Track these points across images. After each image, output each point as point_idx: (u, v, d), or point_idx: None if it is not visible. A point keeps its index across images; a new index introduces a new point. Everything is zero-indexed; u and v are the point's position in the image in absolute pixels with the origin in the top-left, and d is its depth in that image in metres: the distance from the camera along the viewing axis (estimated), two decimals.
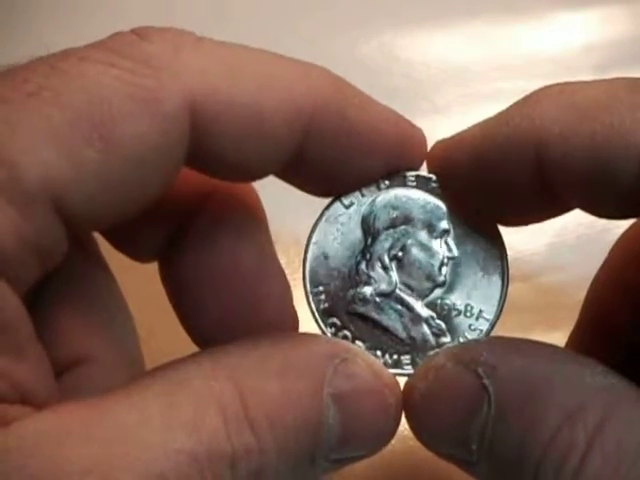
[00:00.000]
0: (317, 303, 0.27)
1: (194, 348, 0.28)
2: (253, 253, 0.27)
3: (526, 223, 0.27)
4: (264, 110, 0.24)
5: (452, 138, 0.27)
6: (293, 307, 0.28)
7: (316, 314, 0.27)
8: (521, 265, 0.43)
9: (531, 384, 0.23)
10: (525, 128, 0.24)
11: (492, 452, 0.24)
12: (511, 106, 0.26)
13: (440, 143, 0.27)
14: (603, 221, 0.26)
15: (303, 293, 0.27)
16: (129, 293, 0.29)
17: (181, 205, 0.27)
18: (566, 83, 0.25)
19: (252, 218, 0.28)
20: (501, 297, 0.27)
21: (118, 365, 0.27)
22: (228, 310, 0.27)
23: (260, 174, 0.26)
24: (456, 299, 0.27)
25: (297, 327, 0.28)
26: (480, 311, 0.27)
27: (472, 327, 0.27)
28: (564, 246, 0.44)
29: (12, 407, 0.21)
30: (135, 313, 0.29)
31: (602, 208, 0.25)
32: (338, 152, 0.26)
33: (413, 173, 0.27)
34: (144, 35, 0.24)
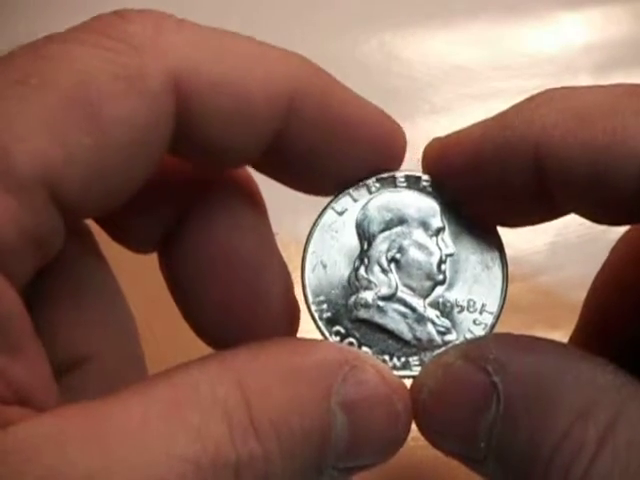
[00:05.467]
0: (320, 313, 0.27)
1: (195, 345, 0.28)
2: (253, 242, 0.27)
3: (523, 225, 0.27)
4: (245, 89, 0.24)
5: (449, 137, 0.27)
6: (294, 296, 0.28)
7: (319, 323, 0.27)
8: (521, 265, 0.43)
9: (541, 382, 0.23)
10: (525, 132, 0.24)
11: (500, 450, 0.24)
12: (511, 108, 0.25)
13: (437, 141, 0.27)
14: None
15: (302, 296, 0.27)
16: (129, 292, 0.28)
17: (180, 194, 0.27)
18: (567, 87, 0.25)
19: (251, 207, 0.27)
20: (503, 289, 0.27)
21: (119, 364, 0.27)
22: (228, 300, 0.27)
23: (242, 157, 0.26)
24: (458, 295, 0.27)
25: (298, 317, 0.28)
26: (483, 305, 0.27)
27: (477, 322, 0.27)
28: (564, 245, 0.44)
29: (9, 408, 0.21)
30: (135, 311, 0.28)
31: (600, 214, 0.25)
32: (318, 139, 0.25)
33: (402, 173, 0.27)
34: (126, 16, 0.24)
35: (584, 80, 0.49)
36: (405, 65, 0.49)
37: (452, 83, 0.49)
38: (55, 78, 0.22)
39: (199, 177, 0.27)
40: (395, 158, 0.27)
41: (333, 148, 0.26)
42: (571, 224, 0.43)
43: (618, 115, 0.23)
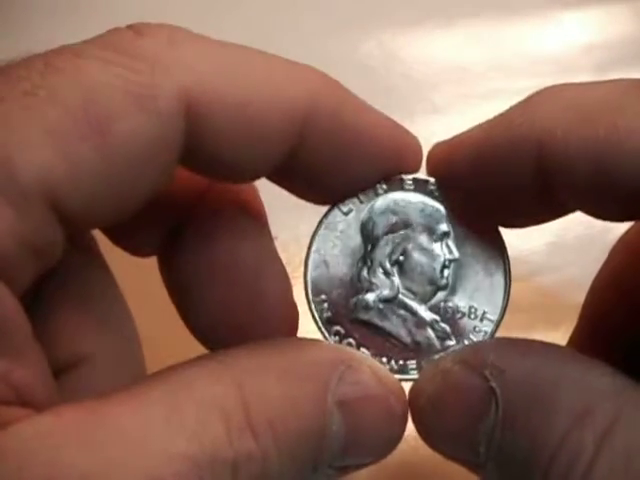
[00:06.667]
0: (320, 312, 0.27)
1: (194, 348, 0.28)
2: (252, 248, 0.27)
3: (527, 225, 0.27)
4: (258, 108, 0.24)
5: (452, 140, 0.27)
6: (293, 302, 0.28)
7: (319, 323, 0.27)
8: (521, 265, 0.43)
9: (539, 387, 0.23)
10: (526, 130, 0.24)
11: (500, 455, 0.24)
12: (512, 107, 0.25)
13: (440, 144, 0.27)
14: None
15: (304, 295, 0.27)
16: (129, 293, 0.28)
17: (181, 200, 0.27)
18: (568, 84, 0.25)
19: (251, 213, 0.27)
20: (504, 297, 0.27)
21: (118, 365, 0.27)
22: (228, 305, 0.27)
23: (254, 174, 0.26)
24: (459, 301, 0.27)
25: (297, 322, 0.28)
26: (484, 312, 0.27)
27: (477, 329, 0.27)
28: (564, 246, 0.44)
29: (10, 409, 0.21)
30: (135, 313, 0.28)
31: (604, 211, 0.25)
32: (332, 155, 0.25)
33: (410, 176, 0.27)
34: (140, 31, 0.24)
35: (585, 80, 0.49)
36: (405, 65, 0.49)
37: (452, 83, 0.49)
38: (64, 92, 0.22)
39: (200, 181, 0.27)
40: (411, 169, 0.27)
41: (347, 163, 0.26)
42: (570, 224, 0.43)
43: (620, 111, 0.23)
